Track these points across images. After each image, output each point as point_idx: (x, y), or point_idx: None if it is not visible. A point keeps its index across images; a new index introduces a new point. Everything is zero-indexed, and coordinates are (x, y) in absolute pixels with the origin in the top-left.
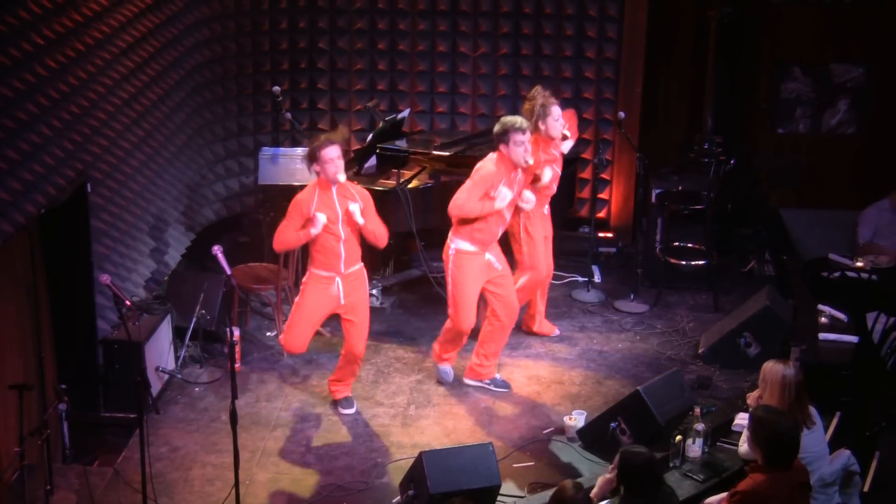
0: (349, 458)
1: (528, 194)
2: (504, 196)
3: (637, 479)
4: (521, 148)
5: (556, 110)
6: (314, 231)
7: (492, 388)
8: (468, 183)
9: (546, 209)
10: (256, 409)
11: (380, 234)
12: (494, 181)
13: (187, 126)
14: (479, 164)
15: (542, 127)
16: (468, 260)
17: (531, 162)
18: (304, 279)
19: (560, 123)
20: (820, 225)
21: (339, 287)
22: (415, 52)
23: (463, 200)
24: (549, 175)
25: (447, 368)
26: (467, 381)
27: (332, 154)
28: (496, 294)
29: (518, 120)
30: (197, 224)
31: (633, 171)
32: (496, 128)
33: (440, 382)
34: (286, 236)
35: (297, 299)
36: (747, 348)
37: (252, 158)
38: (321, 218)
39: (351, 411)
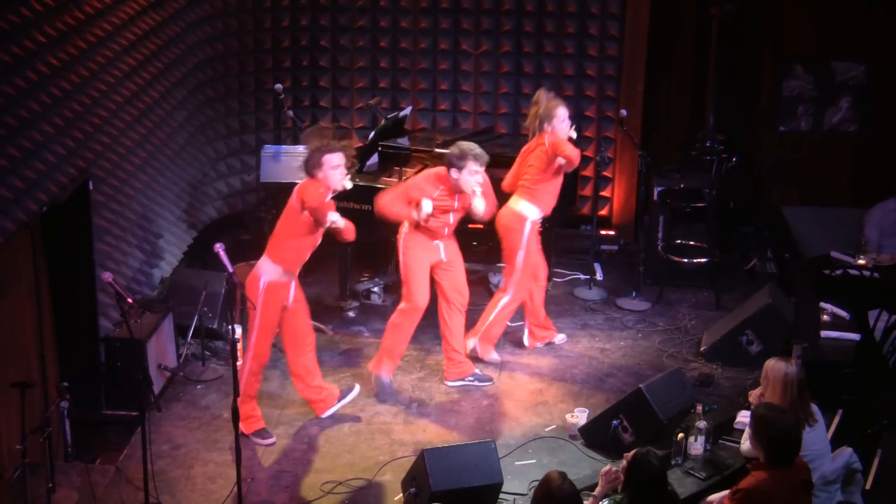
0: (351, 456)
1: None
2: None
3: (643, 485)
4: (474, 179)
5: (561, 112)
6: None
7: (475, 383)
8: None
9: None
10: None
11: (350, 230)
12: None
13: (189, 124)
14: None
15: (548, 129)
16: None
17: (478, 192)
18: (260, 290)
19: (566, 124)
20: (822, 223)
21: (292, 290)
22: (417, 49)
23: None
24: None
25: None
26: (450, 383)
27: (337, 161)
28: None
29: (479, 151)
30: (199, 222)
31: (635, 168)
32: (454, 150)
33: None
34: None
35: (257, 318)
36: (749, 346)
37: (254, 156)
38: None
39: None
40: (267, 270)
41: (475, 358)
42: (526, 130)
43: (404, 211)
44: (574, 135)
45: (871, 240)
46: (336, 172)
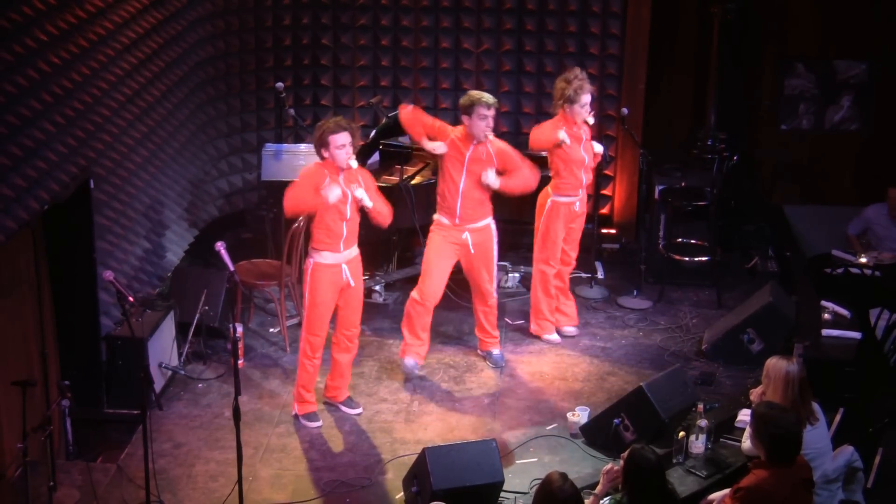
0: (352, 455)
1: (491, 175)
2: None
3: (641, 481)
4: (484, 122)
5: (586, 98)
6: (330, 197)
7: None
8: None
9: (577, 205)
10: (259, 406)
11: (385, 213)
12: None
13: (190, 122)
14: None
15: (567, 109)
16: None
17: (491, 138)
18: (306, 272)
19: (585, 111)
20: (823, 221)
21: (346, 273)
22: (418, 48)
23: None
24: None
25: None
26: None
27: (343, 140)
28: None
29: (486, 95)
30: (200, 220)
31: (637, 167)
32: (463, 99)
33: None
34: (301, 195)
35: (307, 298)
36: (750, 345)
37: (255, 155)
38: (336, 189)
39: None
40: (313, 255)
41: (536, 337)
42: (527, 130)
43: (423, 138)
44: (591, 120)
45: (853, 226)
46: (342, 152)
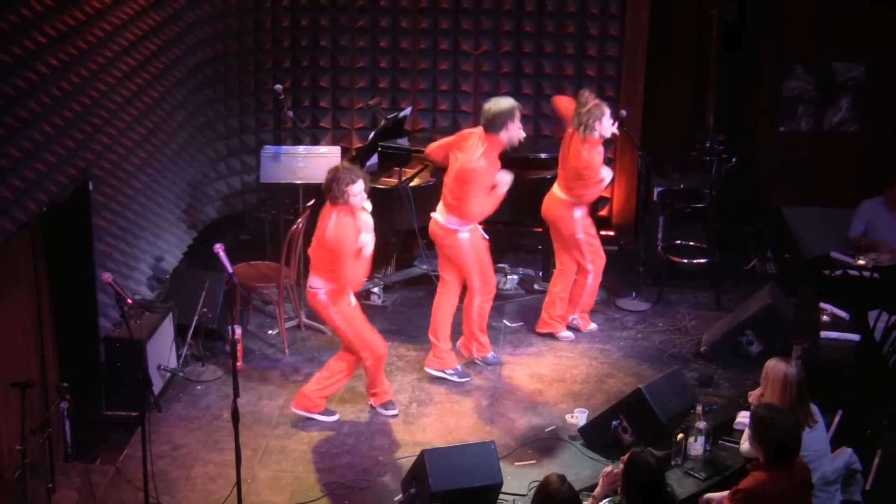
0: (351, 457)
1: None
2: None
3: (640, 485)
4: (520, 126)
5: (608, 110)
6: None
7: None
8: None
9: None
10: (258, 408)
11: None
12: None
13: (189, 124)
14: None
15: (597, 128)
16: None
17: (523, 137)
18: (320, 305)
19: (610, 122)
20: (822, 223)
21: (350, 296)
22: (416, 49)
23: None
24: (611, 175)
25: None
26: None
27: (359, 189)
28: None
29: (512, 100)
30: (199, 222)
31: (635, 169)
32: (502, 107)
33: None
34: (349, 261)
35: (341, 321)
36: (749, 346)
37: (254, 156)
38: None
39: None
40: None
41: (575, 329)
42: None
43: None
44: (616, 131)
45: (855, 227)
46: (358, 198)
